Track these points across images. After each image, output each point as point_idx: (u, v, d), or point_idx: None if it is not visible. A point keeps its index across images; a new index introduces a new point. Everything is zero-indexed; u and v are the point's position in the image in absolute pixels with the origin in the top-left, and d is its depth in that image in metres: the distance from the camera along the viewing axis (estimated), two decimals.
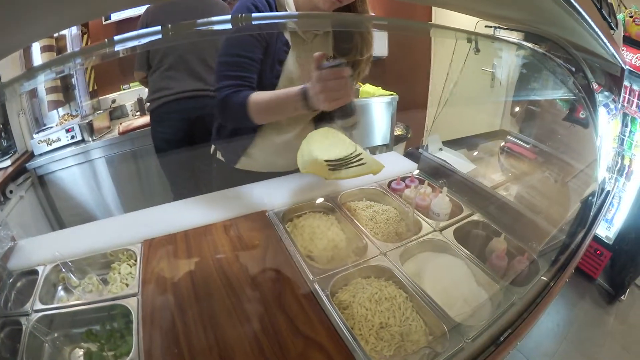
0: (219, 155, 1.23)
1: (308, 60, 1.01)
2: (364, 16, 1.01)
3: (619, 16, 2.08)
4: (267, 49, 1.00)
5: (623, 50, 2.04)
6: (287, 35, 1.01)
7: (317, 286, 0.81)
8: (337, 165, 0.92)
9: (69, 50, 2.02)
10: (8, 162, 1.85)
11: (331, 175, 0.89)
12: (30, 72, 0.71)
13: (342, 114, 0.93)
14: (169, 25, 0.60)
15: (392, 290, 0.84)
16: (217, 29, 0.76)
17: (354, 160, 0.91)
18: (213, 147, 1.24)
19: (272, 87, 1.02)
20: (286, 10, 1.00)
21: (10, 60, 1.70)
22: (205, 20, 0.83)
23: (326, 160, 0.90)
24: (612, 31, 1.28)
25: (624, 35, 2.06)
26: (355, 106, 0.93)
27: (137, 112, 2.48)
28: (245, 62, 0.99)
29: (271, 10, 0.98)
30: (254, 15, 0.93)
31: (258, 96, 0.97)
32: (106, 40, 0.59)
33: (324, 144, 0.98)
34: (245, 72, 0.99)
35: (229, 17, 0.75)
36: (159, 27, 0.59)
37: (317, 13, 0.95)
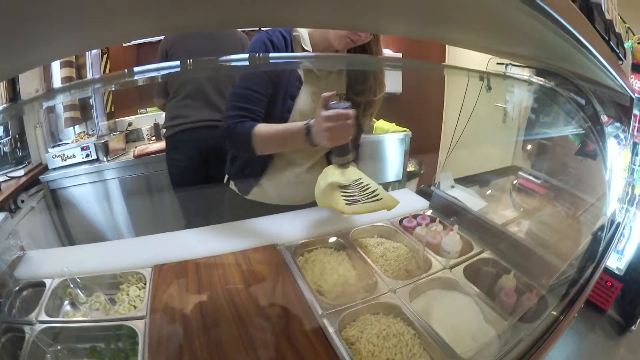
0: (232, 185, 1.25)
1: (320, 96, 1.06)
2: (378, 57, 1.03)
3: (627, 44, 2.09)
4: (278, 83, 1.04)
5: (631, 78, 2.05)
6: (300, 72, 1.05)
7: (325, 321, 0.81)
8: (350, 192, 0.94)
9: (88, 67, 2.08)
10: (21, 172, 1.89)
11: (347, 209, 0.91)
12: (50, 93, 0.73)
13: (339, 152, 0.97)
14: (188, 61, 0.63)
15: (400, 327, 0.84)
16: (235, 66, 0.79)
17: (370, 194, 0.93)
18: (227, 176, 1.27)
19: (284, 120, 1.06)
20: (301, 46, 1.04)
21: (30, 73, 1.76)
22: (224, 58, 0.86)
23: (340, 187, 0.92)
24: (620, 62, 1.29)
25: (632, 63, 2.07)
26: (351, 146, 0.97)
27: (152, 137, 2.52)
28: (253, 95, 1.03)
29: (286, 45, 1.02)
30: (271, 55, 0.96)
31: (263, 128, 1.01)
32: (126, 70, 0.62)
33: (339, 174, 1.01)
34: (253, 104, 1.03)
35: (247, 55, 0.78)
36: (178, 62, 0.61)
37: (333, 55, 0.99)
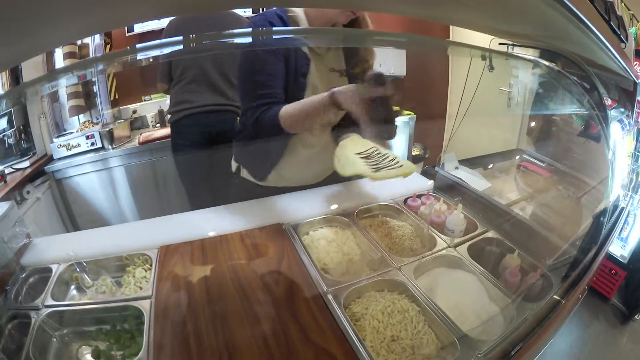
0: (243, 173, 1.24)
1: (325, 71, 1.08)
2: (381, 32, 1.04)
3: (631, 30, 2.07)
4: (288, 64, 1.04)
5: (636, 64, 2.03)
6: (305, 50, 1.06)
7: (330, 297, 0.82)
8: (372, 161, 0.96)
9: None
10: (27, 163, 1.89)
11: (376, 175, 0.93)
12: (52, 74, 0.73)
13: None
14: (191, 36, 0.63)
15: (404, 303, 0.84)
16: (238, 42, 0.79)
17: (391, 161, 0.95)
18: (235, 165, 1.26)
19: (298, 99, 1.05)
20: (298, 25, 1.04)
21: (33, 66, 1.77)
22: (227, 32, 0.87)
23: (361, 157, 0.95)
24: (622, 44, 1.29)
25: (636, 49, 2.05)
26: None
27: (157, 123, 2.53)
28: (269, 80, 1.02)
29: (284, 26, 1.02)
30: (274, 29, 0.96)
31: (289, 108, 1.00)
32: (128, 47, 0.62)
33: (356, 145, 1.02)
34: (271, 88, 1.03)
35: (249, 30, 0.78)
36: (180, 37, 0.61)
37: (336, 29, 0.99)
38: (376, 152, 0.98)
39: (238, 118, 2.01)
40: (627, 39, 1.47)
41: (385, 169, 0.92)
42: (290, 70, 1.04)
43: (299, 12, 1.04)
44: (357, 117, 0.92)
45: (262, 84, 1.03)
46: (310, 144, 1.17)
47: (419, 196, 1.23)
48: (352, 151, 0.98)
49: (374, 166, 0.94)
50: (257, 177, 1.22)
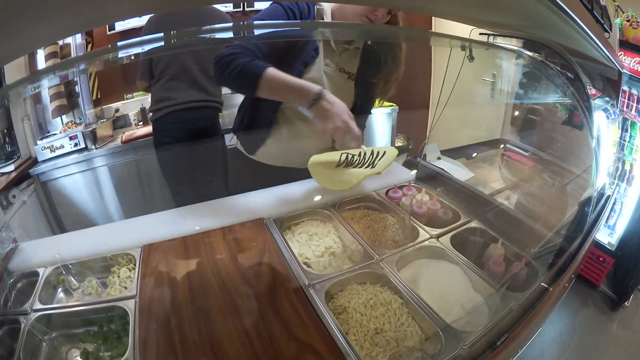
0: (237, 144, 1.28)
1: (335, 69, 1.11)
2: (371, 25, 1.03)
3: (617, 20, 2.08)
4: (291, 47, 1.05)
5: (621, 54, 2.05)
6: (318, 42, 1.08)
7: (312, 291, 0.82)
8: (352, 162, 0.97)
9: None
10: (11, 167, 1.88)
11: (379, 169, 0.94)
12: (34, 75, 0.72)
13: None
14: (172, 32, 0.62)
15: (387, 295, 0.84)
16: (219, 37, 0.79)
17: (372, 155, 0.96)
18: (233, 136, 1.30)
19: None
20: (322, 17, 1.06)
21: (15, 67, 1.75)
22: (207, 27, 0.86)
23: (340, 165, 0.96)
24: (606, 34, 1.29)
25: (622, 40, 2.06)
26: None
27: (139, 121, 2.52)
28: (254, 45, 1.01)
29: (308, 14, 1.04)
30: (255, 23, 0.96)
31: (276, 71, 0.98)
32: (110, 45, 0.61)
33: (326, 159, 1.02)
34: (251, 48, 1.01)
35: (230, 24, 0.78)
36: (161, 34, 0.60)
37: (321, 22, 0.99)
38: (350, 156, 0.98)
39: (220, 114, 2.01)
40: (611, 29, 1.47)
41: (379, 160, 0.94)
42: (292, 54, 1.06)
43: (326, 6, 1.06)
44: (322, 130, 0.97)
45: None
46: (297, 127, 1.18)
47: (400, 187, 1.23)
48: (332, 166, 0.98)
49: (367, 165, 0.95)
50: (247, 150, 1.25)
